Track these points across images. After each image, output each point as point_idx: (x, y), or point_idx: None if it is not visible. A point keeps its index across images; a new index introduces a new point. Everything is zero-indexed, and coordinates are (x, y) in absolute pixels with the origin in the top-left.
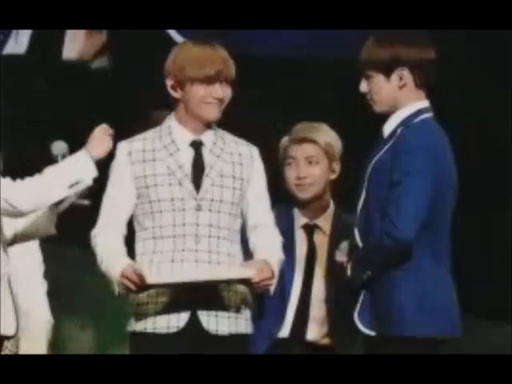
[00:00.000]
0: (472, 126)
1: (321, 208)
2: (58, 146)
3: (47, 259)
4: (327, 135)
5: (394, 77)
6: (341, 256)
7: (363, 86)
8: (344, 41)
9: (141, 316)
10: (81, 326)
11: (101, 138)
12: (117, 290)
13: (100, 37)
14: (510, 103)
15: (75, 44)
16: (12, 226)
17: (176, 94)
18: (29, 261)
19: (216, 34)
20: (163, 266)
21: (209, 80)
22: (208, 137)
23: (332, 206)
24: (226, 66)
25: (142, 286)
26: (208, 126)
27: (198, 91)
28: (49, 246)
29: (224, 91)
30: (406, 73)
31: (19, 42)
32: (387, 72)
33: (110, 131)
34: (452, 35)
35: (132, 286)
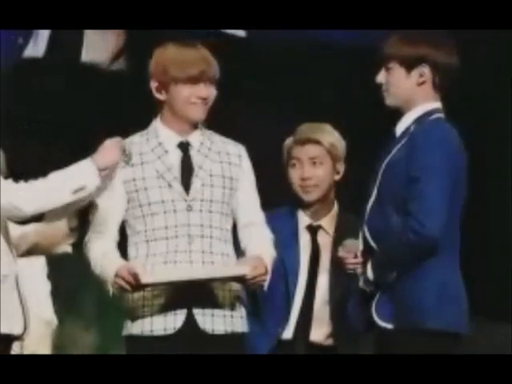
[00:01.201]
0: (475, 128)
1: (325, 209)
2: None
3: (49, 261)
4: (331, 136)
5: (415, 73)
6: (343, 252)
7: (381, 77)
8: (347, 41)
9: (137, 319)
10: (83, 328)
11: (109, 149)
12: (111, 290)
13: (118, 39)
14: (510, 104)
15: (93, 46)
16: (29, 240)
17: (160, 96)
18: (33, 261)
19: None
20: (157, 268)
21: (193, 80)
22: (195, 137)
23: (336, 206)
24: (209, 66)
25: (137, 285)
26: (194, 126)
27: (183, 91)
28: None
29: (208, 91)
30: (427, 71)
31: (37, 45)
32: (409, 67)
33: (121, 145)
34: (458, 35)
35: (126, 286)
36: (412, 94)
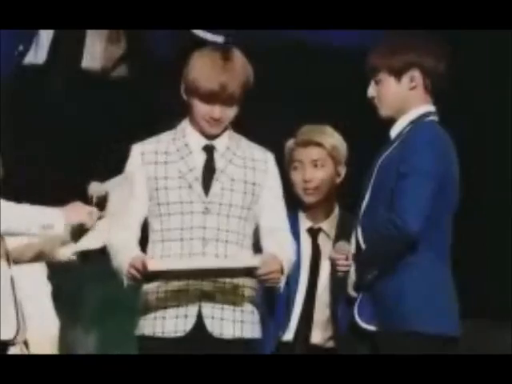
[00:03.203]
0: (472, 129)
1: (326, 211)
2: (94, 187)
3: (49, 262)
4: (333, 138)
5: (405, 79)
6: (335, 253)
7: (372, 91)
8: (349, 42)
9: (150, 320)
10: (85, 330)
11: (76, 209)
12: (125, 282)
13: (119, 46)
14: (510, 105)
15: (94, 53)
16: (34, 248)
17: (187, 99)
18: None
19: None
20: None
21: (208, 99)
22: (221, 141)
23: (337, 209)
24: (232, 82)
25: (146, 273)
26: (223, 130)
27: (199, 107)
28: None
29: (223, 112)
30: (417, 74)
31: (38, 52)
32: (398, 74)
33: (88, 210)
34: (449, 35)
35: (136, 274)
36: (405, 99)
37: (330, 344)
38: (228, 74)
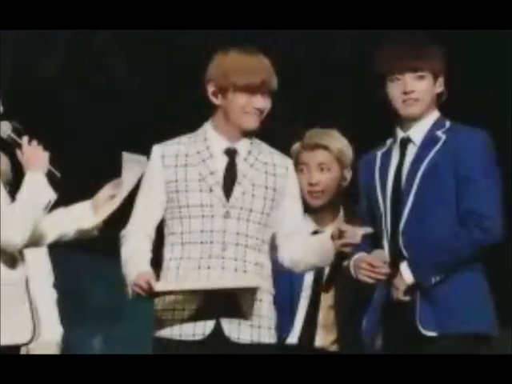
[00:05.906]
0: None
1: (331, 215)
2: (4, 127)
3: (57, 265)
4: (339, 142)
5: (438, 82)
6: (376, 261)
7: (412, 85)
8: (356, 45)
9: (167, 322)
10: (91, 334)
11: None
12: (130, 294)
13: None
14: (510, 104)
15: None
16: (58, 229)
17: (216, 101)
18: (37, 271)
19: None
20: (189, 273)
21: (251, 89)
22: (243, 145)
23: (342, 213)
24: (270, 76)
25: (151, 293)
26: (244, 134)
27: (240, 100)
28: (59, 250)
29: (265, 102)
30: (442, 81)
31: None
32: (436, 77)
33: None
34: (450, 35)
35: (142, 293)
36: (431, 102)
37: (334, 347)
38: (265, 68)
